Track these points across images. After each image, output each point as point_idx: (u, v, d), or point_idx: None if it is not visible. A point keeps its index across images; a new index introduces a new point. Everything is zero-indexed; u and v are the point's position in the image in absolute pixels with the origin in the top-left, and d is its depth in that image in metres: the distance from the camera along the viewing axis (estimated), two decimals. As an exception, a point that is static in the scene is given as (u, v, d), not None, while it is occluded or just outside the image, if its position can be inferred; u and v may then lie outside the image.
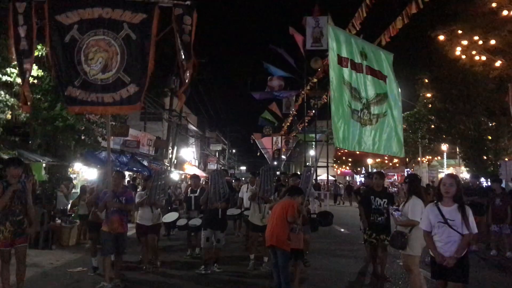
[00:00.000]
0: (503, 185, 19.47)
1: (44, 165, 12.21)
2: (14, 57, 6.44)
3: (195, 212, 9.44)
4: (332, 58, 6.29)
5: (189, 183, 12.80)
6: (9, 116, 10.08)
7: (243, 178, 14.77)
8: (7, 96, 9.85)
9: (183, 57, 6.38)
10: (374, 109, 6.63)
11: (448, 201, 4.69)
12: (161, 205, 8.88)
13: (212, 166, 44.21)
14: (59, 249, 10.55)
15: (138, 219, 8.75)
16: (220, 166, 52.85)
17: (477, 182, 12.10)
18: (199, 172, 30.03)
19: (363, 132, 6.47)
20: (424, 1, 7.72)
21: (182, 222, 9.48)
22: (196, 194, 9.47)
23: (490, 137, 21.70)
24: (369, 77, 6.66)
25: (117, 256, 7.36)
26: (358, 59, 6.59)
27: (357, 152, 39.31)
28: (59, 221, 11.50)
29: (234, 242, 11.87)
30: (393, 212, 6.19)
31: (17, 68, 6.64)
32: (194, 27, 6.39)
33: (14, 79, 9.73)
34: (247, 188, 10.60)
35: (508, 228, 10.26)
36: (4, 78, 9.85)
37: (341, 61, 6.38)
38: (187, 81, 6.50)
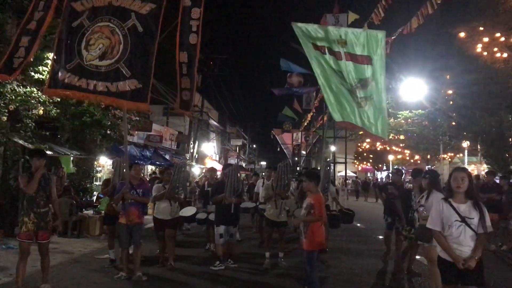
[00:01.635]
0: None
1: (71, 158, 12.77)
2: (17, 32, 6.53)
3: (213, 207, 9.08)
4: (306, 47, 6.43)
5: (206, 176, 12.66)
6: (41, 112, 10.63)
7: (263, 173, 14.62)
8: (39, 93, 10.38)
9: (186, 60, 6.29)
10: (360, 93, 6.62)
11: (460, 197, 4.32)
12: (180, 199, 8.71)
13: (233, 160, 44.67)
14: (86, 238, 11.10)
15: (156, 212, 8.56)
16: (240, 160, 53.33)
17: (494, 179, 12.14)
18: (219, 167, 30.50)
19: (360, 113, 6.60)
20: (438, 2, 7.80)
21: (202, 216, 9.43)
22: (212, 188, 9.21)
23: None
24: (350, 63, 6.62)
25: (135, 248, 7.31)
26: (335, 47, 6.57)
27: (378, 147, 39.24)
28: (86, 211, 12.04)
29: (250, 239, 11.70)
30: (419, 208, 6.32)
31: (13, 42, 6.56)
32: (201, 22, 6.31)
33: (45, 76, 10.24)
34: (263, 182, 10.41)
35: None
36: (37, 76, 10.42)
37: (317, 48, 6.48)
38: (194, 85, 6.37)
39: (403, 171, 10.38)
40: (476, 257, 4.17)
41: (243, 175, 32.69)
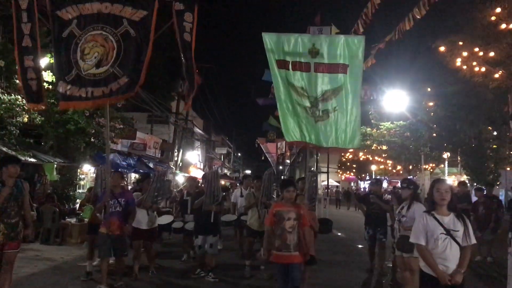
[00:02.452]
0: (502, 194, 19.95)
1: (55, 165, 12.80)
2: (15, 53, 6.34)
3: (190, 216, 8.84)
4: (271, 64, 6.43)
5: (184, 185, 12.27)
6: (25, 119, 10.68)
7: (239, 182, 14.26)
8: (23, 101, 10.37)
9: (183, 60, 6.30)
10: (323, 106, 6.53)
11: (443, 209, 4.14)
12: (158, 208, 8.43)
13: (214, 169, 44.72)
14: (68, 246, 11.10)
15: (134, 222, 7.85)
16: (224, 169, 53.38)
17: (466, 189, 12.39)
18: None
19: (317, 128, 6.50)
20: (414, 19, 8.05)
21: (178, 225, 9.18)
22: (192, 197, 8.88)
23: (495, 146, 22.08)
24: (318, 74, 6.53)
25: (118, 259, 7.13)
26: (303, 59, 6.52)
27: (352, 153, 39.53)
28: (69, 219, 12.05)
29: (231, 250, 11.03)
30: (401, 218, 6.39)
31: (18, 65, 6.46)
32: (195, 25, 6.27)
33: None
34: (241, 192, 10.17)
35: (491, 234, 10.50)
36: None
37: (281, 64, 6.46)
38: (194, 84, 6.38)
39: (382, 181, 10.52)
40: (462, 271, 4.00)
41: (227, 183, 32.79)
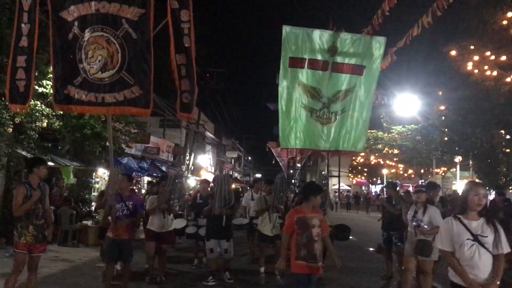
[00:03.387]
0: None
1: (72, 169, 13.09)
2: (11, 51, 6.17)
3: (204, 220, 8.69)
4: (283, 61, 6.26)
5: (197, 188, 11.97)
6: (44, 124, 10.97)
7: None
8: (43, 106, 10.74)
9: (184, 62, 6.07)
10: (334, 107, 6.44)
11: (473, 214, 3.85)
12: (175, 211, 8.33)
13: (225, 172, 44.93)
14: (85, 247, 11.36)
15: (149, 224, 8.15)
16: (235, 172, 53.57)
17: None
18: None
19: (323, 131, 6.37)
20: (426, 24, 8.12)
21: (191, 230, 9.04)
22: (203, 201, 8.89)
23: (507, 150, 21.98)
24: (334, 74, 6.39)
25: (124, 264, 7.03)
26: (321, 57, 6.37)
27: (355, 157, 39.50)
28: (85, 221, 12.32)
29: (243, 255, 10.93)
30: (420, 223, 6.39)
31: (9, 64, 6.25)
32: (192, 24, 6.07)
33: (49, 90, 10.58)
34: (252, 195, 10.00)
35: None
36: (41, 89, 10.78)
37: (295, 62, 6.28)
38: (195, 90, 6.12)
39: (397, 185, 10.43)
40: (497, 281, 3.68)
41: (238, 187, 32.88)
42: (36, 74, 10.53)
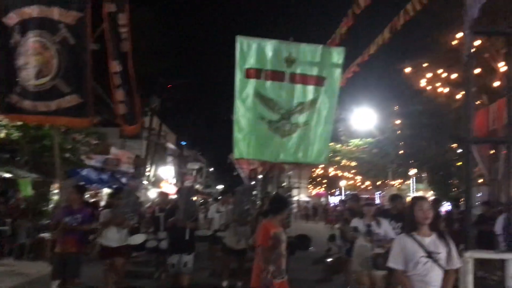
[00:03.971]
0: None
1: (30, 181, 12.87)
2: None
3: (163, 233, 8.45)
4: (238, 71, 6.06)
5: (156, 201, 11.51)
6: (2, 135, 10.80)
7: (219, 198, 13.63)
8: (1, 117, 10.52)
9: (118, 70, 5.75)
10: (294, 119, 6.24)
11: (425, 229, 3.80)
12: (130, 225, 7.84)
13: (190, 185, 44.74)
14: (43, 261, 11.13)
15: (103, 239, 7.63)
16: (196, 184, 53.33)
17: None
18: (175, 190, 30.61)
19: (281, 143, 6.18)
20: (379, 45, 8.51)
21: (151, 244, 8.69)
22: (165, 214, 8.57)
23: (459, 163, 22.98)
24: (292, 85, 6.23)
25: (69, 279, 6.56)
26: (278, 67, 6.20)
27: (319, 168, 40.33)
28: (43, 234, 12.10)
29: (205, 269, 10.31)
30: (377, 236, 6.27)
31: None
32: (129, 29, 5.83)
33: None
34: (216, 208, 9.70)
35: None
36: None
37: (251, 73, 6.09)
38: (134, 98, 5.82)
39: (358, 196, 10.50)
40: None
41: (199, 199, 32.75)
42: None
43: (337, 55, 6.41)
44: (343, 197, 32.47)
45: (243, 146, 6.13)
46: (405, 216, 4.42)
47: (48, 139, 12.37)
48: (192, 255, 7.67)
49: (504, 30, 5.39)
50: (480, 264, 7.05)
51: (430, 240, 3.76)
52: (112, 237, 7.49)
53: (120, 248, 7.54)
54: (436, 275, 3.69)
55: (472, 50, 4.26)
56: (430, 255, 3.69)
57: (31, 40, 5.66)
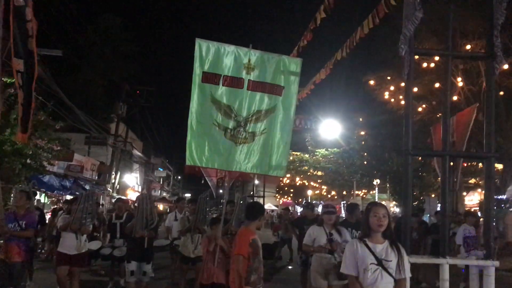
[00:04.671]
0: (426, 218, 21.40)
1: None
2: None
3: (120, 241, 8.40)
4: (195, 75, 5.85)
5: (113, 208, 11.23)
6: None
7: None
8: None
9: (22, 69, 5.24)
10: (250, 127, 6.08)
11: (377, 237, 3.74)
12: (88, 231, 7.60)
13: (156, 192, 44.36)
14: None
15: (59, 246, 7.45)
16: (163, 192, 52.96)
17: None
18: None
19: (236, 151, 6.00)
20: (335, 61, 8.78)
21: (106, 251, 8.58)
22: (122, 220, 8.61)
23: (422, 174, 23.62)
24: (250, 92, 6.08)
25: None
26: (237, 73, 6.03)
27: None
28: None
29: (163, 278, 10.13)
30: (343, 243, 6.10)
31: None
32: (35, 26, 5.39)
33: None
34: (175, 216, 9.64)
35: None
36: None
37: (208, 78, 5.91)
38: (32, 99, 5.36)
39: (314, 205, 10.65)
40: None
41: (166, 207, 32.48)
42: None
43: (295, 65, 6.30)
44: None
45: (195, 153, 5.90)
46: (361, 221, 4.37)
47: (8, 144, 12.14)
48: (150, 264, 7.62)
49: (442, 52, 5.64)
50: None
51: (382, 247, 3.69)
52: (70, 244, 7.29)
53: (78, 256, 7.33)
54: (385, 284, 3.61)
55: (410, 69, 4.37)
56: (380, 262, 3.62)
57: None
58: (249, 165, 6.10)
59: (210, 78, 5.91)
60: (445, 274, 3.79)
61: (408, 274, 3.69)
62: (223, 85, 5.97)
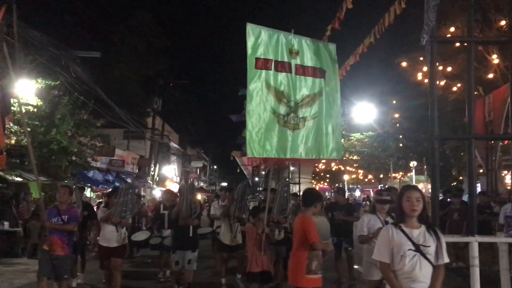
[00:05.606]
0: (465, 198, 21.20)
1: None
2: None
3: (168, 231, 8.44)
4: (249, 62, 5.72)
5: (160, 199, 11.68)
6: (13, 141, 11.31)
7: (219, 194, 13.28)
8: (11, 123, 11.10)
9: None
10: (302, 112, 6.03)
11: (412, 221, 3.52)
12: (128, 223, 7.67)
13: (194, 182, 45.23)
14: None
15: (100, 239, 7.63)
16: (200, 182, 53.90)
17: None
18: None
19: (292, 138, 5.93)
20: (367, 46, 8.85)
21: (155, 240, 8.68)
22: (169, 211, 8.57)
23: (462, 153, 23.28)
24: (298, 77, 6.05)
25: (58, 282, 6.44)
26: (285, 58, 5.97)
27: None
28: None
29: (207, 268, 10.23)
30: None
31: None
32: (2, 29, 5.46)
33: (17, 108, 10.92)
34: (218, 203, 9.76)
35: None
36: (9, 107, 11.13)
37: (261, 64, 5.80)
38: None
39: (345, 190, 10.67)
40: None
41: (204, 197, 33.13)
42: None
43: (331, 49, 6.36)
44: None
45: (257, 144, 5.70)
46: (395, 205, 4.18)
47: (55, 143, 12.85)
48: (196, 252, 7.67)
49: (464, 38, 5.66)
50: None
51: (419, 232, 3.49)
52: (110, 237, 7.40)
53: (119, 248, 7.43)
54: (424, 271, 3.40)
55: (433, 57, 4.44)
56: (418, 248, 3.42)
57: None
58: (304, 151, 6.03)
59: (263, 63, 5.81)
60: (475, 251, 3.98)
61: (446, 259, 3.49)
62: (275, 70, 5.87)
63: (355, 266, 8.57)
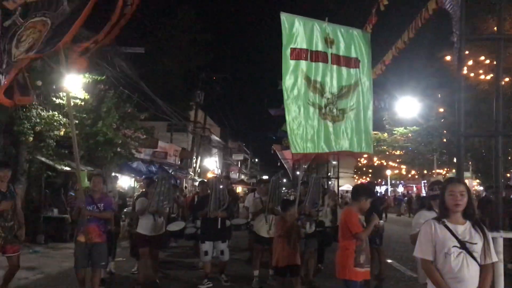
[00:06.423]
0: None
1: (86, 173, 13.99)
2: None
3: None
4: (284, 52, 5.47)
5: (197, 189, 11.73)
6: (62, 133, 11.94)
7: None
8: (60, 116, 11.79)
9: None
10: (340, 104, 5.80)
11: (457, 217, 3.29)
12: (165, 213, 7.89)
13: (235, 175, 45.81)
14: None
15: (138, 228, 7.70)
16: (242, 175, 54.42)
17: None
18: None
19: (332, 130, 5.71)
20: (405, 42, 8.72)
21: (190, 230, 8.75)
22: (196, 203, 8.97)
23: (510, 149, 22.57)
24: (335, 67, 5.81)
25: (94, 269, 6.45)
26: (320, 47, 5.73)
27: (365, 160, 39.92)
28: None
29: (242, 260, 10.39)
30: None
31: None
32: None
33: (65, 101, 11.54)
34: (254, 196, 9.50)
35: None
36: (58, 101, 11.78)
37: (297, 54, 5.54)
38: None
39: (374, 184, 10.36)
40: None
41: (244, 189, 33.39)
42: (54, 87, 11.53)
43: (365, 38, 6.17)
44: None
45: (300, 139, 5.48)
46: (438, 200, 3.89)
47: (101, 135, 13.43)
48: (227, 243, 7.84)
49: (493, 36, 5.55)
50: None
51: (464, 228, 3.26)
52: (148, 226, 7.55)
53: (156, 237, 7.59)
54: (471, 271, 3.16)
55: (460, 56, 4.42)
56: (463, 245, 3.19)
57: (34, 20, 5.24)
58: (344, 144, 5.83)
59: (299, 54, 5.58)
60: (499, 246, 3.99)
61: (495, 258, 3.27)
62: (311, 61, 5.64)
63: (389, 260, 8.61)
